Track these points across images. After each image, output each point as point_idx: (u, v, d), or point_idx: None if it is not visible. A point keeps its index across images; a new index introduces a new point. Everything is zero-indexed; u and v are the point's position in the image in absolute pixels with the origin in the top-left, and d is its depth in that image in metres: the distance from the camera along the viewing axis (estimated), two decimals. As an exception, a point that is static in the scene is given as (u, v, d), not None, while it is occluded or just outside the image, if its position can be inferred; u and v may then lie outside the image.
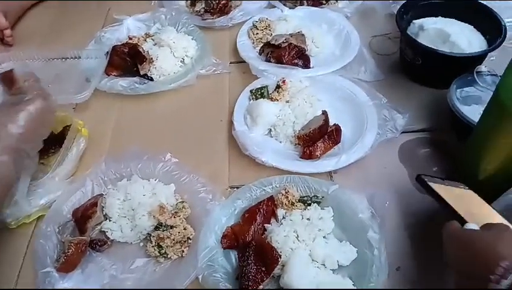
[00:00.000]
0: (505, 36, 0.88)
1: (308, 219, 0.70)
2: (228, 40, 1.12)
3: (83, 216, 0.72)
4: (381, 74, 0.98)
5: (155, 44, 1.08)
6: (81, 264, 0.69)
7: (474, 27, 0.96)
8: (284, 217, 0.72)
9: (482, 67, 0.86)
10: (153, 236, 0.70)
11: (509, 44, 0.96)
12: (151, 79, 0.99)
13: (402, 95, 0.93)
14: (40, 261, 0.68)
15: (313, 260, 0.66)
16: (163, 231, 0.70)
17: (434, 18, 0.98)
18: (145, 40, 1.09)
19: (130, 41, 1.07)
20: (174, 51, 1.03)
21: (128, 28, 1.14)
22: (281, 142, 0.87)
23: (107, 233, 0.73)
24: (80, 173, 0.83)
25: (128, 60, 1.00)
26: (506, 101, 0.61)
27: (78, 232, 0.73)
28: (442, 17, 0.98)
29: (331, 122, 0.84)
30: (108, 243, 0.72)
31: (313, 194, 0.75)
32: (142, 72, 0.99)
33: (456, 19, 0.97)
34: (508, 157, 0.65)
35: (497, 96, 0.64)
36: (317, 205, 0.72)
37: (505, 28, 0.89)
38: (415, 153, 0.84)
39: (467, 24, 0.96)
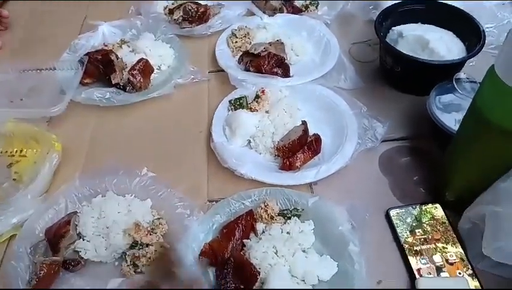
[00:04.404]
0: (483, 42, 0.87)
1: (288, 233, 0.69)
2: (207, 48, 1.10)
3: (56, 235, 0.70)
4: (361, 81, 0.97)
5: (132, 50, 1.06)
6: (54, 285, 0.67)
7: (454, 33, 0.95)
8: (263, 232, 0.70)
9: (461, 75, 0.86)
10: (128, 255, 0.68)
11: (489, 49, 0.96)
12: (124, 88, 0.96)
13: (382, 102, 0.92)
14: (12, 284, 0.66)
15: (292, 276, 0.65)
16: (139, 249, 0.68)
17: (413, 24, 0.97)
18: (121, 47, 1.07)
19: (105, 48, 1.05)
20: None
21: (103, 33, 1.12)
22: (260, 153, 0.85)
23: (80, 253, 0.70)
24: (53, 190, 0.80)
25: (101, 68, 0.98)
26: (483, 109, 0.60)
27: (51, 252, 0.70)
28: (421, 23, 0.98)
29: (311, 132, 0.83)
30: (82, 263, 0.70)
31: (293, 207, 0.73)
32: (113, 82, 0.96)
33: (435, 26, 0.97)
34: (486, 166, 0.65)
35: (474, 104, 0.63)
36: (297, 219, 0.71)
37: (484, 34, 0.89)
38: (395, 162, 0.82)
39: (446, 30, 0.96)
